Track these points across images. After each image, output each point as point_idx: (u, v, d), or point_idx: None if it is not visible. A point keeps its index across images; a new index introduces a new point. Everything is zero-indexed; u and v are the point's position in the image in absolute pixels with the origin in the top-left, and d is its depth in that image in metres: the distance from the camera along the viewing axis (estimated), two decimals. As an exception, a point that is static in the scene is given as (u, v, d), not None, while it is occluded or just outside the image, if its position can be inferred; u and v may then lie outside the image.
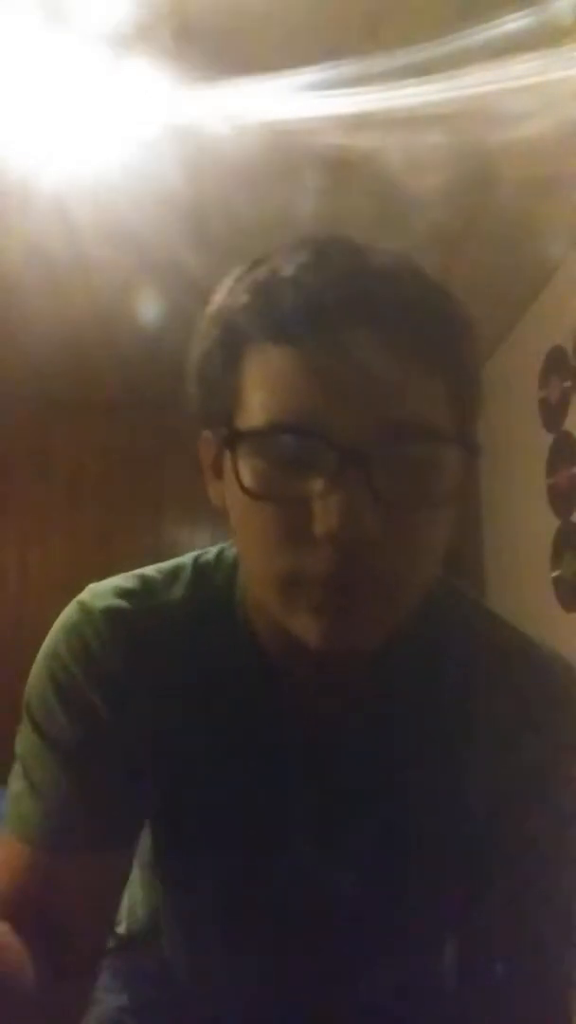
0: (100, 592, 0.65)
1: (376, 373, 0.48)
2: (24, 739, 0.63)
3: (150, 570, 0.67)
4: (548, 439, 2.70)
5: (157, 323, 2.79)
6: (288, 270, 0.51)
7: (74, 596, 0.68)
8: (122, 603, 0.63)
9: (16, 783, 0.62)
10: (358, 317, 0.48)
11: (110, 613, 0.62)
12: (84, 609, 0.63)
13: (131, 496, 4.03)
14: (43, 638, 0.70)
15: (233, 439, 0.51)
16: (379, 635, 0.52)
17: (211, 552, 0.68)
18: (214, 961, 0.70)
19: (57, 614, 0.70)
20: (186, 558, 0.68)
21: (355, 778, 0.63)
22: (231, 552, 0.67)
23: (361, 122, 1.73)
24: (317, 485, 0.48)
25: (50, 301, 2.76)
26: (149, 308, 2.71)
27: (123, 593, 0.64)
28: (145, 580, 0.66)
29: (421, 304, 0.51)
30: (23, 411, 3.84)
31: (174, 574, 0.66)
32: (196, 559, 0.68)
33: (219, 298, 0.56)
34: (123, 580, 0.66)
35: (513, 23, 1.45)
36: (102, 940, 0.64)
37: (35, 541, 3.96)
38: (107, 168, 2.01)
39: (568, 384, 2.56)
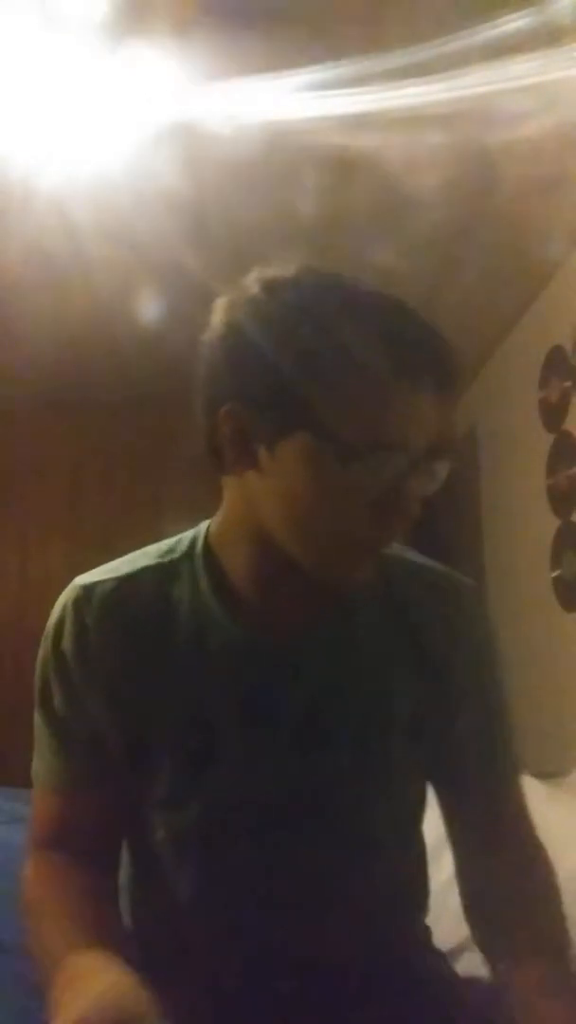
0: (85, 575, 0.81)
1: (443, 403, 0.68)
2: (36, 707, 0.82)
3: (137, 551, 0.84)
4: (548, 439, 2.70)
5: (157, 323, 2.79)
6: (395, 324, 0.69)
7: None
8: (96, 579, 0.79)
9: (36, 740, 0.82)
10: (435, 362, 0.67)
11: (83, 590, 0.78)
12: (69, 589, 0.80)
13: (131, 496, 4.03)
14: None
15: (344, 449, 0.66)
16: (369, 573, 0.75)
17: (175, 537, 0.84)
18: (206, 885, 0.80)
19: None
20: (169, 539, 0.85)
21: (322, 686, 0.78)
22: (190, 531, 0.84)
23: (361, 122, 1.73)
24: (398, 482, 0.67)
25: (50, 301, 2.76)
26: (149, 308, 2.71)
27: (102, 571, 0.80)
28: (126, 558, 0.82)
29: (454, 355, 0.70)
30: (23, 411, 3.84)
31: (147, 551, 0.83)
32: (173, 539, 0.84)
33: (321, 315, 0.69)
34: (110, 563, 0.82)
35: (513, 23, 1.45)
36: (115, 856, 0.83)
37: (35, 541, 3.96)
38: (107, 168, 2.01)
39: (568, 384, 2.56)
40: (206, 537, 0.81)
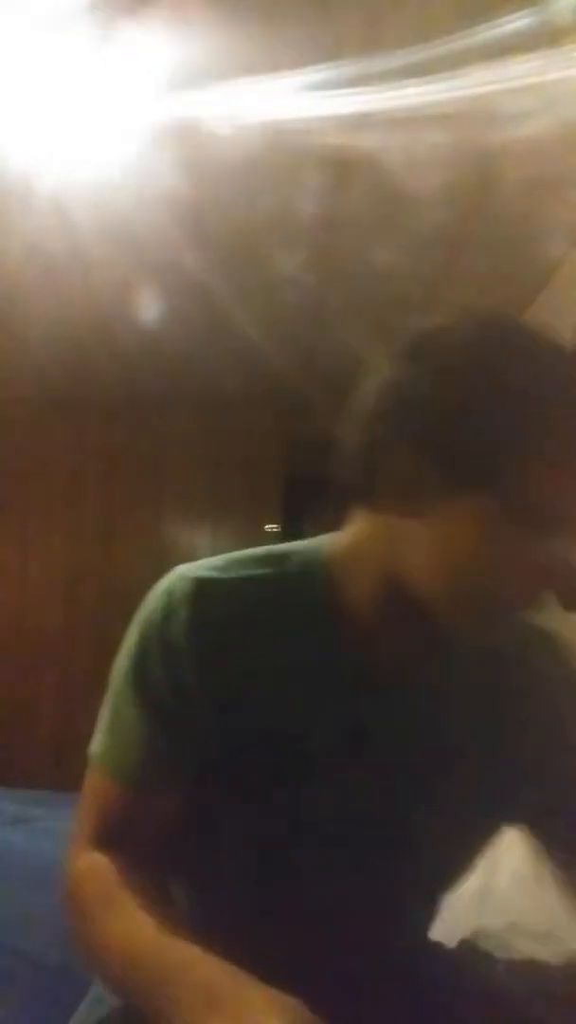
0: (191, 566, 0.77)
1: None
2: (119, 689, 0.76)
3: (236, 553, 0.80)
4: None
5: (157, 323, 2.79)
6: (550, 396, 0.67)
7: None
8: (208, 575, 0.76)
9: (109, 728, 0.76)
10: None
11: (198, 583, 0.75)
12: (177, 578, 0.76)
13: (131, 496, 4.03)
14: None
15: (529, 522, 0.66)
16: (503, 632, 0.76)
17: (296, 544, 0.81)
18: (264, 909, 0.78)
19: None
20: (272, 548, 0.82)
21: (420, 725, 0.77)
22: (302, 546, 0.80)
23: (361, 122, 1.73)
24: (569, 552, 0.67)
25: (50, 301, 2.76)
26: (149, 308, 2.71)
27: (209, 569, 0.77)
28: (230, 558, 0.79)
29: None
30: (23, 411, 3.85)
31: (253, 557, 0.79)
32: (279, 549, 0.81)
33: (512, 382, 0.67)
34: (211, 561, 0.78)
35: (513, 23, 1.45)
36: (167, 865, 0.78)
37: (35, 541, 3.96)
38: (107, 168, 2.01)
39: (568, 384, 2.56)
40: (323, 558, 0.78)
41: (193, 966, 0.60)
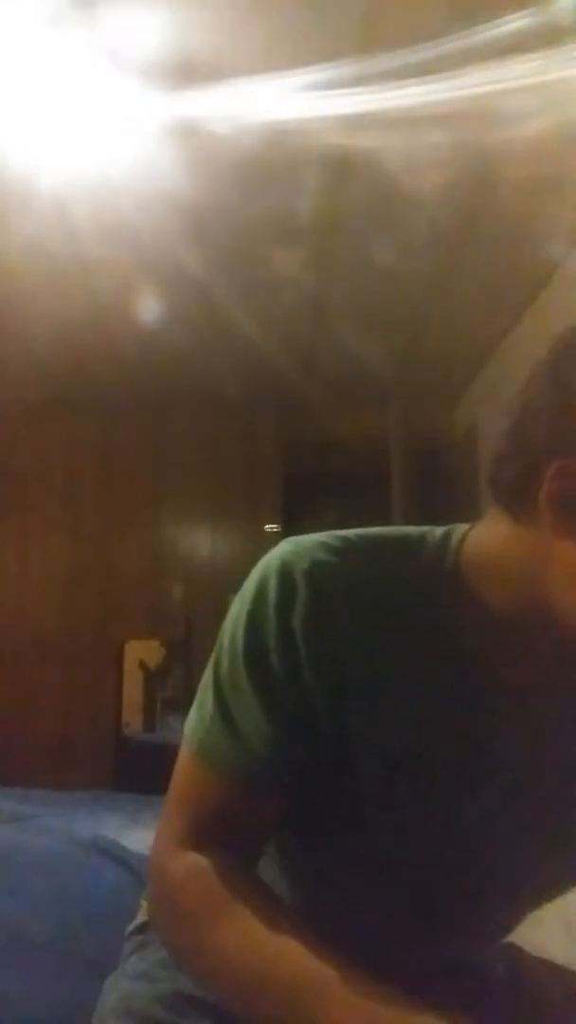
0: (309, 543, 0.69)
1: None
2: (228, 675, 0.68)
3: (362, 531, 0.72)
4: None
5: (157, 323, 2.79)
6: None
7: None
8: (329, 557, 0.67)
9: (211, 712, 0.69)
10: None
11: (318, 564, 0.67)
12: (295, 555, 0.68)
13: (131, 496, 4.04)
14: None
15: None
16: None
17: (426, 532, 0.73)
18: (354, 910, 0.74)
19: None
20: (402, 532, 0.74)
21: (531, 744, 0.71)
22: (450, 540, 0.72)
23: (361, 122, 1.73)
24: None
25: (50, 301, 2.76)
26: (149, 308, 2.71)
27: (329, 549, 0.68)
28: (356, 537, 0.70)
29: None
30: (23, 411, 3.85)
31: (387, 540, 0.72)
32: (411, 536, 0.73)
33: None
34: (328, 537, 0.70)
35: (513, 23, 1.45)
36: (260, 851, 0.73)
37: (35, 541, 3.96)
38: (107, 168, 2.01)
39: (568, 384, 2.56)
40: (460, 555, 0.71)
41: (342, 986, 0.56)
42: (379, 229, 2.32)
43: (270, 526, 3.91)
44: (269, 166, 2.00)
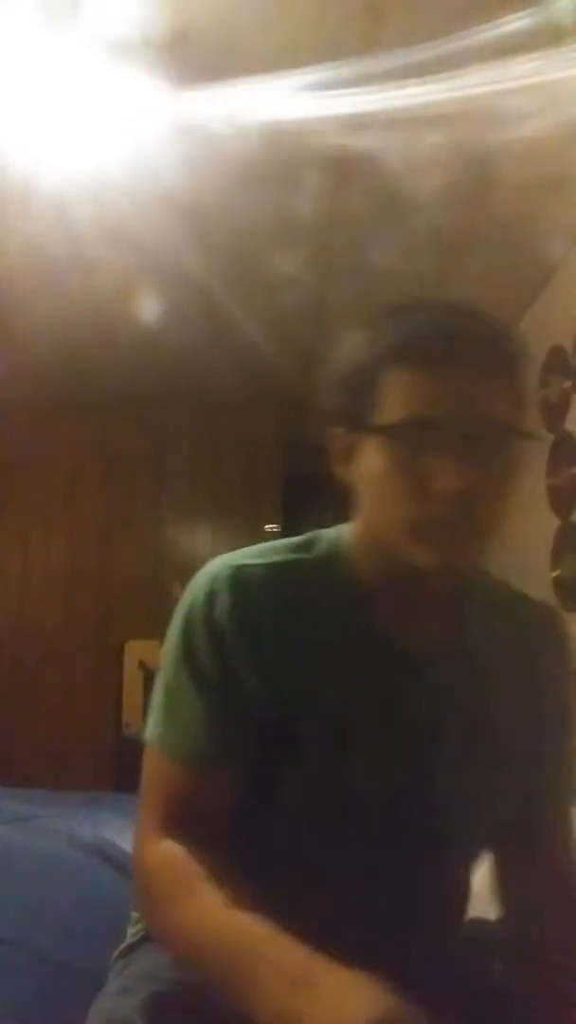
0: (230, 555, 0.83)
1: (482, 388, 0.74)
2: (168, 679, 0.81)
3: (270, 543, 0.87)
4: (548, 439, 2.70)
5: (157, 323, 2.79)
6: (423, 318, 0.78)
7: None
8: (245, 562, 0.82)
9: (160, 708, 0.80)
10: (467, 351, 0.74)
11: (237, 569, 0.81)
12: (217, 566, 0.82)
13: (131, 496, 4.03)
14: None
15: (379, 430, 0.74)
16: (471, 558, 0.78)
17: (323, 531, 0.88)
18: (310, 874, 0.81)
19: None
20: (304, 536, 0.89)
21: (446, 696, 0.81)
22: (328, 532, 0.88)
23: (361, 122, 1.73)
24: (443, 459, 0.72)
25: (50, 301, 2.76)
26: (149, 308, 2.71)
27: (245, 555, 0.83)
28: (265, 547, 0.86)
29: (502, 341, 0.78)
30: (23, 411, 3.84)
31: (286, 545, 0.86)
32: (308, 536, 0.88)
33: (371, 331, 0.80)
34: (248, 549, 0.85)
35: (513, 23, 1.45)
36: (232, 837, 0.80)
37: (35, 541, 3.96)
38: (107, 168, 2.01)
39: (568, 384, 2.56)
40: (345, 541, 0.85)
41: (274, 947, 0.62)
42: (379, 229, 2.32)
43: (270, 526, 3.91)
44: (269, 166, 2.00)
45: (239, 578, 0.80)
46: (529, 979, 0.81)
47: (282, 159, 1.97)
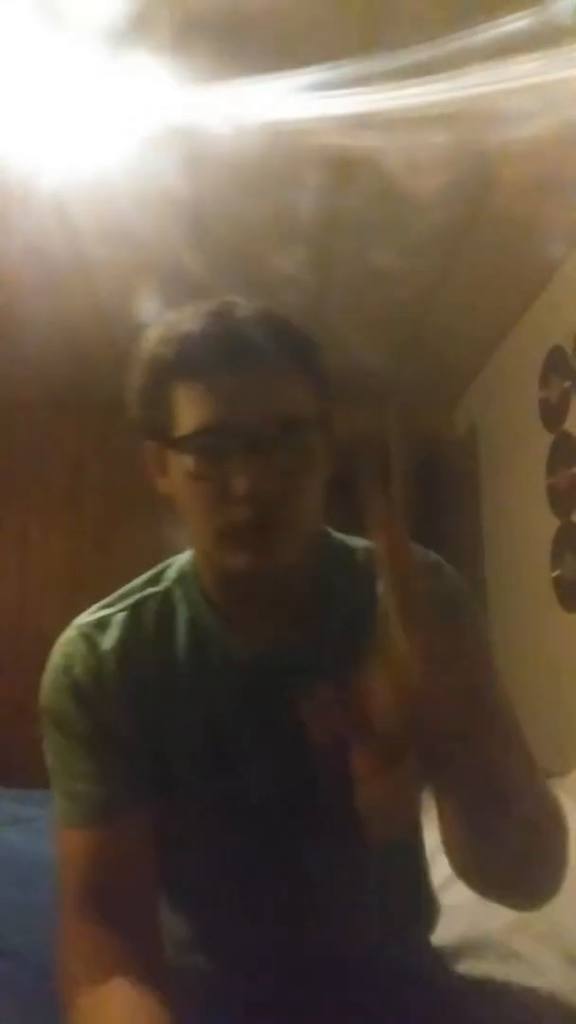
0: (81, 617, 0.86)
1: (263, 389, 0.74)
2: (50, 745, 0.81)
3: (125, 587, 0.89)
4: (548, 439, 2.70)
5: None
6: (193, 328, 0.76)
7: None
8: (96, 616, 0.85)
9: (57, 786, 0.79)
10: (240, 356, 0.74)
11: (92, 623, 0.84)
12: (74, 626, 0.85)
13: (131, 496, 4.03)
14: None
15: (174, 443, 0.76)
16: (286, 556, 0.75)
17: (162, 564, 0.91)
18: (218, 892, 0.82)
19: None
20: (145, 574, 0.91)
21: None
22: (180, 556, 0.90)
23: (361, 122, 1.73)
24: (234, 465, 0.72)
25: (50, 301, 2.76)
26: (149, 308, 2.71)
27: (97, 608, 0.86)
28: (115, 595, 0.88)
29: (280, 336, 0.77)
30: (23, 411, 3.85)
31: (135, 585, 0.88)
32: (159, 566, 0.91)
33: (150, 347, 0.81)
34: (99, 603, 0.88)
35: (513, 23, 1.45)
36: (155, 907, 0.78)
37: (35, 541, 3.96)
38: (107, 168, 2.01)
39: (568, 384, 2.56)
40: (191, 562, 0.88)
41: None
42: (379, 229, 2.32)
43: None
44: (269, 166, 2.00)
45: (93, 632, 0.82)
46: None
47: (282, 159, 1.97)
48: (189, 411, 0.75)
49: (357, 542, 0.90)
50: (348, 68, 1.60)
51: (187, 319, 0.78)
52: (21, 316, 2.88)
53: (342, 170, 2.04)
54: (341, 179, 2.08)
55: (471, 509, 3.46)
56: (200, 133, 1.84)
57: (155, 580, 0.88)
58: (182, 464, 0.76)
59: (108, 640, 0.82)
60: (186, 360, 0.75)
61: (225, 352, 0.74)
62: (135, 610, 0.84)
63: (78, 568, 3.89)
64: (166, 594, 0.85)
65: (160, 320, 0.81)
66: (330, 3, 1.57)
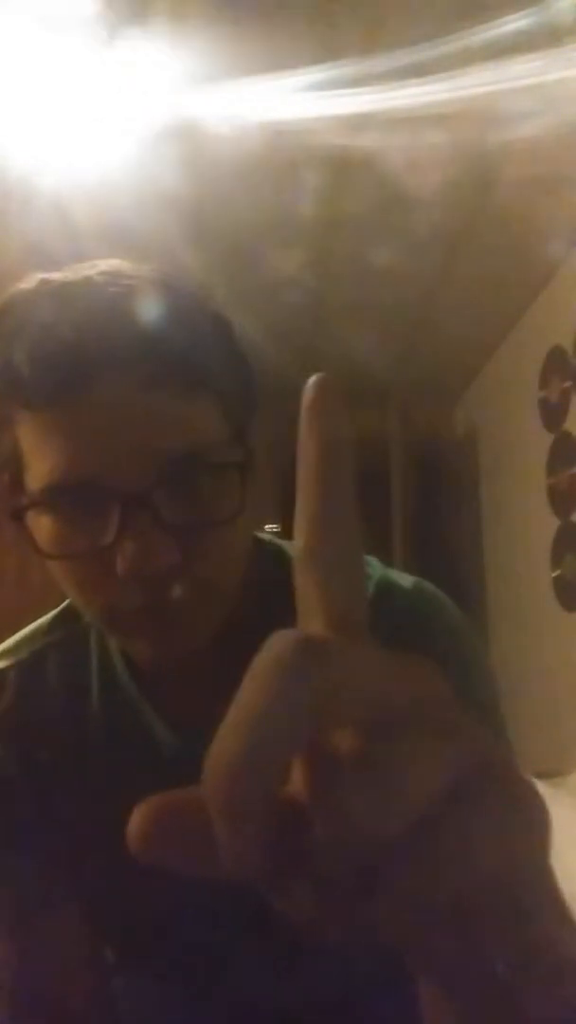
0: None
1: (136, 414, 0.49)
2: None
3: (31, 626, 0.71)
4: (548, 439, 2.70)
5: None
6: (23, 333, 0.50)
7: None
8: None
9: None
10: (101, 365, 0.49)
11: None
12: None
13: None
14: None
15: (22, 506, 0.52)
16: (201, 637, 0.55)
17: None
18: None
19: None
20: (51, 613, 0.72)
21: None
22: None
23: (361, 122, 1.73)
24: (108, 534, 0.49)
25: (50, 301, 2.76)
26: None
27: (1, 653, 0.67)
28: (21, 637, 0.69)
29: (165, 330, 0.52)
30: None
31: (38, 628, 0.70)
32: (55, 613, 0.71)
33: None
34: (7, 642, 0.69)
35: (513, 23, 1.45)
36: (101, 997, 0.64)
37: (35, 541, 3.96)
38: (107, 168, 2.01)
39: (568, 384, 2.56)
40: None
41: None
42: (379, 229, 2.32)
43: (270, 526, 3.90)
44: (269, 166, 2.00)
45: None
46: None
47: (282, 159, 1.97)
48: (41, 454, 0.50)
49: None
50: (348, 68, 1.60)
51: (20, 303, 0.54)
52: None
53: (342, 170, 2.04)
54: (341, 179, 2.08)
55: (471, 509, 3.45)
56: (200, 133, 1.84)
57: (64, 620, 0.68)
58: (37, 531, 0.52)
59: (5, 700, 0.64)
60: (17, 379, 0.50)
61: (73, 367, 0.48)
62: (37, 661, 0.66)
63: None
64: (81, 637, 0.65)
65: None
66: (330, 3, 1.57)
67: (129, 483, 0.49)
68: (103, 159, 1.99)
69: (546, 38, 1.48)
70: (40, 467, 0.51)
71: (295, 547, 0.29)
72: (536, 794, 0.27)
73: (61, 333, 0.49)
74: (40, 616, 0.74)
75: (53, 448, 0.50)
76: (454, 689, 0.30)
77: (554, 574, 2.65)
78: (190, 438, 0.51)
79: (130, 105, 1.79)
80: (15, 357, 0.50)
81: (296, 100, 1.68)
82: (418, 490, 3.74)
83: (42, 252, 2.40)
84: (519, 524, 3.01)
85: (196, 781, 0.29)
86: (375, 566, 0.69)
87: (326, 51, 1.60)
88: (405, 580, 0.68)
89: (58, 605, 0.71)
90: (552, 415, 2.68)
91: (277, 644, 0.23)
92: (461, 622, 0.67)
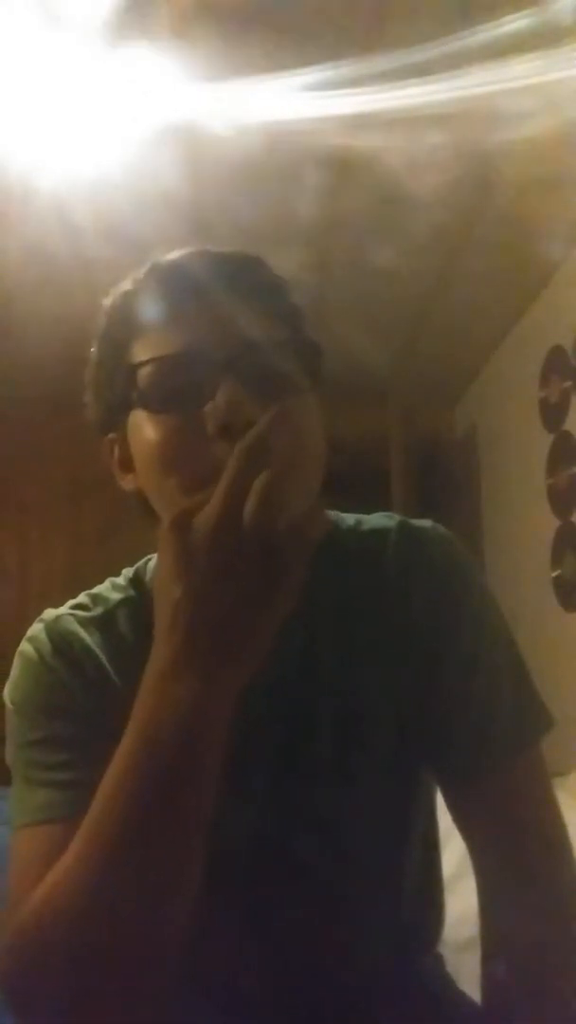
0: (45, 615, 0.79)
1: (224, 314, 0.66)
2: (16, 737, 0.71)
3: (104, 584, 0.85)
4: (548, 439, 2.70)
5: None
6: (138, 282, 0.75)
7: (74, 596, 0.81)
8: (71, 612, 0.78)
9: (23, 782, 0.68)
10: (197, 292, 0.68)
11: (55, 620, 0.77)
12: (36, 625, 0.77)
13: (131, 496, 4.03)
14: None
15: (133, 399, 0.68)
16: (289, 510, 0.55)
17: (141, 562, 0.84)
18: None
19: None
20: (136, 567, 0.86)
21: (292, 698, 0.72)
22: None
23: (362, 122, 1.73)
24: (204, 393, 0.62)
25: (50, 301, 2.76)
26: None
27: (74, 605, 0.79)
28: (91, 594, 0.82)
29: (247, 270, 0.72)
30: (23, 411, 3.85)
31: (113, 583, 0.83)
32: (139, 567, 0.86)
33: (99, 325, 0.79)
34: (80, 596, 0.82)
35: (513, 23, 1.45)
36: None
37: (35, 541, 3.96)
38: (107, 168, 2.01)
39: (568, 384, 2.57)
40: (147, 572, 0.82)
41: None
42: (379, 229, 2.32)
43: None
44: (269, 166, 2.00)
45: (59, 624, 0.75)
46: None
47: (282, 159, 1.97)
48: (151, 353, 0.67)
49: (347, 519, 0.81)
50: (348, 68, 1.60)
51: (129, 280, 0.76)
52: (21, 316, 2.88)
53: (342, 170, 2.04)
54: (341, 179, 2.08)
55: (471, 509, 3.45)
56: (200, 133, 1.84)
57: (137, 581, 0.81)
58: (140, 422, 0.67)
59: (86, 635, 0.74)
60: (135, 314, 0.71)
61: (178, 292, 0.68)
62: (110, 614, 0.77)
63: (78, 568, 3.89)
64: (147, 602, 0.74)
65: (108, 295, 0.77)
66: (331, 3, 1.57)
67: (220, 355, 0.63)
68: (103, 159, 1.99)
69: (546, 38, 1.48)
70: (146, 348, 0.68)
71: None
72: None
73: (175, 273, 0.71)
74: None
75: (162, 341, 0.67)
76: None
77: (554, 574, 2.65)
78: (266, 331, 0.67)
79: (131, 105, 1.79)
80: (132, 300, 0.74)
81: (296, 100, 1.68)
82: (418, 490, 3.74)
83: (42, 252, 2.40)
84: (519, 524, 3.01)
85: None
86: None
87: (326, 51, 1.60)
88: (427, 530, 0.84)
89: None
90: (552, 415, 2.69)
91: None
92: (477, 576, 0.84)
